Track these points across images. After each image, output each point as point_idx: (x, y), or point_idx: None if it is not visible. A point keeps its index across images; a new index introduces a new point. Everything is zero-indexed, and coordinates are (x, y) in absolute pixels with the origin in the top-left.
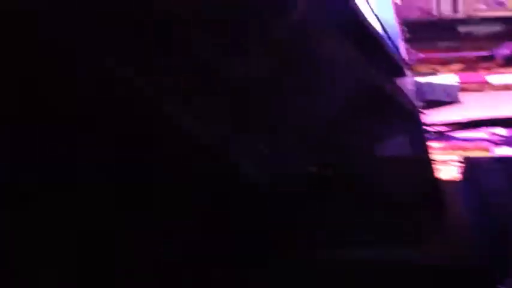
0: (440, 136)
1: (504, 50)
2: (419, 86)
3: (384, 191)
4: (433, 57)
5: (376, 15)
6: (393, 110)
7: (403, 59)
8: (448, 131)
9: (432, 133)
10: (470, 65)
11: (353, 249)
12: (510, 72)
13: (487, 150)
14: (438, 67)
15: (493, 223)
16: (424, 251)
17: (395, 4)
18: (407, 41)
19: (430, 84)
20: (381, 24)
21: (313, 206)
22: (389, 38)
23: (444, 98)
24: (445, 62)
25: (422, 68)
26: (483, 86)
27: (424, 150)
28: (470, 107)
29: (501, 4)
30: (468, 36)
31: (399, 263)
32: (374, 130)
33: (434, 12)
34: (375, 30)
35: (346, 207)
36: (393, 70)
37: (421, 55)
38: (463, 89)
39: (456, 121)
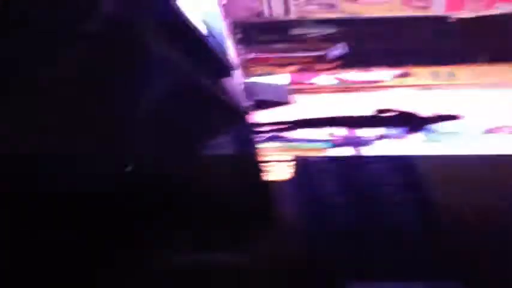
0: (274, 137)
1: (336, 51)
2: (248, 86)
3: (208, 192)
4: (266, 58)
5: (200, 15)
6: (218, 110)
7: (230, 60)
8: (278, 131)
9: (263, 133)
10: (303, 66)
11: (180, 252)
12: (341, 72)
13: (322, 150)
14: (271, 68)
15: (323, 222)
16: (253, 254)
17: (223, 4)
18: (239, 42)
19: (259, 85)
20: (206, 24)
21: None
22: (214, 38)
23: (275, 98)
24: (278, 64)
25: (255, 70)
26: (315, 87)
27: (251, 151)
28: (303, 108)
29: (332, 6)
30: (301, 38)
31: (228, 267)
32: (199, 130)
33: (266, 14)
34: (197, 30)
35: (170, 210)
36: (219, 70)
37: (253, 56)
38: (296, 90)
39: (287, 121)
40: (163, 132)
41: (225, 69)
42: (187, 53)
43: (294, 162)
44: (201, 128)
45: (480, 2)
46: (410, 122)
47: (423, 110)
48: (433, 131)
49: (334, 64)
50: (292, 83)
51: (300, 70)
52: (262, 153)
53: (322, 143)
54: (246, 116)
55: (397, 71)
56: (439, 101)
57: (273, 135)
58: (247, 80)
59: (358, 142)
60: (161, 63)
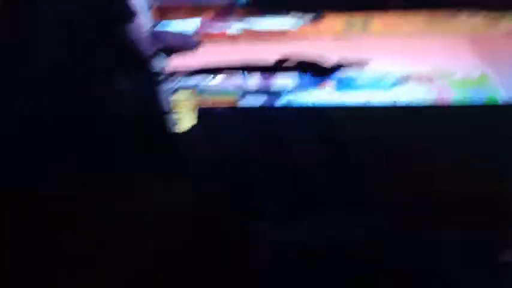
0: (184, 85)
1: None
2: (153, 33)
3: (113, 144)
4: (178, 5)
5: None
6: (120, 56)
7: (132, 5)
8: (184, 78)
9: (171, 81)
10: (214, 13)
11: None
12: (250, 20)
13: (234, 100)
14: (182, 16)
15: (229, 171)
16: (163, 199)
17: None
18: None
19: (165, 32)
20: None
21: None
22: None
23: (181, 45)
24: (189, 11)
25: (166, 16)
26: (223, 35)
27: (155, 99)
28: (210, 55)
29: None
30: None
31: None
32: (101, 77)
33: None
34: None
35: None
36: (121, 15)
37: (164, 3)
38: (204, 38)
39: (194, 68)
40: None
41: (128, 13)
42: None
43: (200, 113)
44: (105, 75)
45: None
46: (314, 70)
47: (330, 59)
48: (346, 80)
49: (244, 11)
50: (200, 30)
51: (210, 17)
52: (167, 102)
53: (233, 91)
54: (151, 63)
55: (306, 19)
56: (353, 50)
57: (182, 84)
58: (152, 27)
59: (270, 91)
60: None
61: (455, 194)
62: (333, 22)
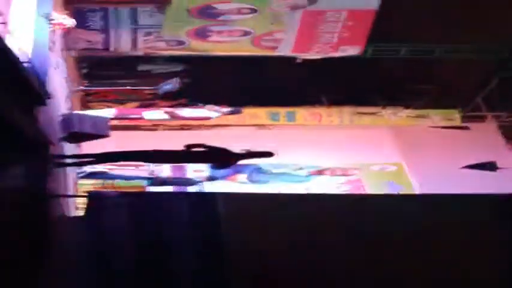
0: (94, 173)
1: (168, 85)
2: (67, 117)
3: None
4: (105, 93)
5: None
6: (15, 139)
7: (45, 89)
8: (87, 164)
9: (79, 167)
10: (141, 101)
11: None
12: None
13: (142, 187)
14: (109, 104)
15: (106, 261)
16: None
17: (63, 35)
18: (85, 76)
19: (79, 117)
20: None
21: None
22: (32, 68)
23: (92, 131)
24: (116, 99)
25: (93, 104)
26: (138, 121)
27: (43, 185)
28: (124, 142)
29: (181, 43)
30: (147, 74)
31: None
32: None
33: (112, 48)
34: (12, 57)
35: None
36: (30, 98)
37: (91, 90)
38: (121, 124)
39: (103, 154)
40: None
41: (37, 98)
42: None
43: (88, 197)
44: None
45: (326, 45)
46: (222, 158)
47: (237, 147)
48: (259, 171)
49: (163, 97)
50: (118, 116)
51: (137, 105)
52: (55, 187)
53: (141, 181)
54: (48, 148)
55: (227, 109)
56: (272, 140)
57: (93, 171)
58: (66, 112)
59: (179, 182)
60: None
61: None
62: (256, 113)
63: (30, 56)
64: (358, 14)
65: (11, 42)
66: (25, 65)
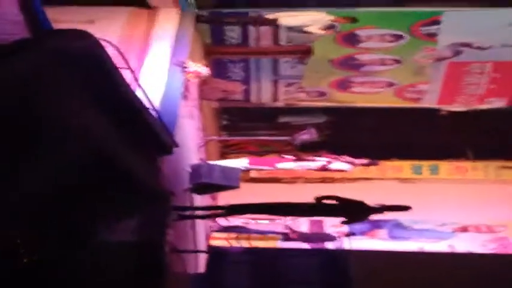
0: (231, 226)
1: (304, 136)
2: (196, 168)
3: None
4: (244, 143)
5: (146, 95)
6: (133, 190)
7: (171, 138)
8: (212, 216)
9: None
10: (270, 149)
11: None
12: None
13: (276, 239)
14: (245, 154)
15: None
16: None
17: (200, 85)
18: (223, 127)
19: (208, 167)
20: (151, 103)
21: None
22: (160, 117)
23: (221, 182)
24: (255, 149)
25: (232, 155)
26: (272, 172)
27: (160, 237)
28: (257, 194)
29: (322, 94)
30: (287, 126)
31: None
32: (104, 209)
33: (253, 99)
34: (140, 106)
35: None
36: (155, 149)
37: (230, 140)
38: (260, 178)
39: (236, 207)
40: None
41: (163, 147)
42: (119, 126)
43: (208, 252)
44: (107, 208)
45: (472, 97)
46: (354, 212)
47: (379, 201)
48: (399, 227)
49: (298, 148)
50: (251, 167)
51: (262, 154)
52: (178, 241)
53: (276, 235)
54: (169, 200)
55: (362, 161)
56: (415, 194)
57: (227, 225)
58: (196, 162)
59: (316, 237)
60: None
61: None
62: (399, 166)
63: (159, 105)
64: (504, 65)
65: (141, 92)
66: (152, 114)
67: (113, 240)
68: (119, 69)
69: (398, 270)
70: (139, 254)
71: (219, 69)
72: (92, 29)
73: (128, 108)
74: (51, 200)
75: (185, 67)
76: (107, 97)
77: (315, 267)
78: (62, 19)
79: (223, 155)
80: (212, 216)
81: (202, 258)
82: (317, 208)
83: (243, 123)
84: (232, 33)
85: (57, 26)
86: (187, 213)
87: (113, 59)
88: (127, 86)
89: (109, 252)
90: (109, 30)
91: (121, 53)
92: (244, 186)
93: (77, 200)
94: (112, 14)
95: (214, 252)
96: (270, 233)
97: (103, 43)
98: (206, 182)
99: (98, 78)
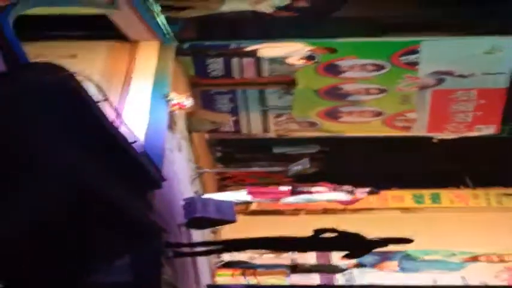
0: (233, 262)
1: (297, 167)
2: (190, 202)
3: None
4: (242, 175)
5: (129, 128)
6: (123, 229)
7: (160, 173)
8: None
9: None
10: (269, 181)
11: None
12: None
13: (284, 274)
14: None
15: None
16: None
17: (187, 117)
18: (218, 159)
19: (202, 201)
20: (134, 136)
21: None
22: (145, 151)
23: (216, 216)
24: (254, 181)
25: (232, 188)
26: (273, 204)
27: (155, 275)
28: (257, 228)
29: (313, 124)
30: (282, 157)
31: None
32: (103, 245)
33: (244, 130)
34: (124, 142)
35: None
36: (143, 184)
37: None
38: (260, 210)
39: (215, 241)
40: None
41: (150, 182)
42: (103, 161)
43: None
44: (97, 247)
45: (460, 124)
46: (356, 244)
47: (375, 232)
48: (408, 258)
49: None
50: (254, 199)
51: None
52: (173, 278)
53: (284, 269)
54: (159, 236)
55: (362, 190)
56: (418, 224)
57: (231, 260)
58: (190, 196)
59: (324, 269)
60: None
61: None
62: (400, 195)
63: (144, 138)
64: (489, 93)
65: (123, 125)
66: (136, 148)
67: (106, 281)
68: (98, 103)
69: None
70: None
71: (206, 101)
72: (75, 64)
73: (111, 143)
74: (36, 240)
75: (168, 100)
76: (87, 132)
77: None
78: (45, 54)
79: (221, 188)
80: (210, 253)
81: None
82: (317, 242)
83: (237, 155)
84: (215, 65)
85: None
86: (185, 249)
87: (90, 93)
88: (107, 120)
89: None
90: (92, 65)
91: (99, 86)
92: (245, 219)
93: (65, 241)
94: (94, 48)
95: None
96: (276, 267)
97: (82, 77)
98: (201, 217)
99: (76, 113)
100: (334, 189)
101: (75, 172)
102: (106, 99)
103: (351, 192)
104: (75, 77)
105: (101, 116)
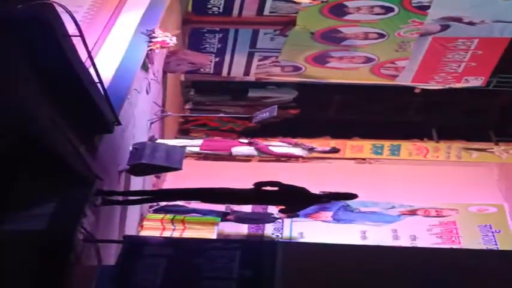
0: (166, 206)
1: (264, 114)
2: (139, 147)
3: None
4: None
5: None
6: (57, 173)
7: (114, 117)
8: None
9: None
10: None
11: None
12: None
13: (214, 223)
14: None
15: None
16: None
17: (166, 58)
18: (188, 102)
19: (153, 146)
20: (99, 77)
21: None
22: (105, 91)
23: (163, 163)
24: (218, 125)
25: (194, 131)
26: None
27: (72, 224)
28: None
29: (297, 69)
30: (255, 100)
31: None
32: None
33: (224, 73)
34: (85, 82)
35: None
36: (95, 127)
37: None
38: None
39: (147, 190)
40: None
41: (102, 125)
42: (58, 99)
43: (123, 242)
44: (17, 192)
45: (449, 75)
46: (297, 200)
47: (332, 182)
48: (346, 209)
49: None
50: (203, 150)
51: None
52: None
53: (215, 216)
54: (91, 183)
55: (323, 148)
56: (369, 175)
57: (165, 205)
58: (140, 141)
59: (256, 219)
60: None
61: None
62: (360, 145)
63: (112, 77)
64: (490, 42)
65: (92, 66)
66: (98, 88)
67: (13, 229)
68: (71, 37)
69: (328, 267)
70: (44, 243)
71: (194, 40)
72: None
73: (71, 81)
74: None
75: (152, 36)
76: (50, 67)
77: (235, 262)
78: None
79: (182, 132)
80: (139, 202)
81: None
82: (257, 196)
83: (209, 97)
84: (217, 1)
85: None
86: (116, 197)
87: (64, 26)
88: (75, 56)
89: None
90: None
91: (74, 19)
92: (196, 163)
93: None
94: None
95: (129, 243)
96: (210, 212)
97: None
98: (145, 163)
99: (43, 46)
100: (295, 145)
101: (22, 106)
102: (81, 35)
103: (310, 150)
104: (51, 7)
105: (68, 52)
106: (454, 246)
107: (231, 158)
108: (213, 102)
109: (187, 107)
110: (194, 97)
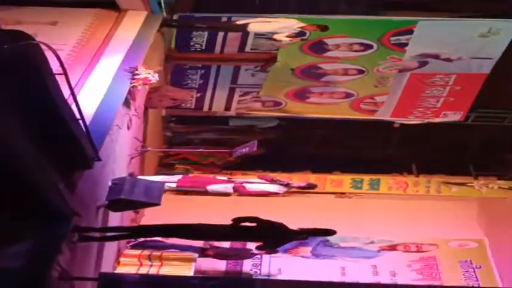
0: (145, 242)
1: (244, 149)
2: (118, 182)
3: None
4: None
5: (78, 104)
6: (36, 209)
7: (94, 152)
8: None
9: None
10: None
11: None
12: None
13: (191, 260)
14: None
15: None
16: None
17: (148, 94)
18: (168, 137)
19: (132, 182)
20: (81, 113)
21: None
22: (86, 127)
23: (142, 199)
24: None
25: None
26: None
27: (48, 261)
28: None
29: (278, 104)
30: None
31: None
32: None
33: (206, 108)
34: (67, 118)
35: None
36: (76, 163)
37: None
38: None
39: (124, 227)
40: None
41: (82, 160)
42: (39, 135)
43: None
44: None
45: (428, 110)
46: (276, 236)
47: (311, 217)
48: (325, 244)
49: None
50: (180, 187)
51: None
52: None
53: (193, 253)
54: (69, 220)
55: (300, 184)
56: (348, 210)
57: (143, 240)
58: (120, 177)
59: (234, 254)
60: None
61: None
62: (340, 179)
63: (94, 113)
64: (467, 78)
65: (74, 100)
66: (79, 124)
67: None
68: (55, 75)
69: None
70: (19, 282)
71: (176, 76)
72: (51, 31)
73: (53, 117)
74: None
75: (135, 73)
76: (33, 103)
77: None
78: (26, 20)
79: (163, 165)
80: (116, 239)
81: None
82: (235, 232)
83: (189, 129)
84: (199, 38)
85: (19, 27)
86: (94, 234)
87: (48, 65)
88: (58, 94)
89: None
90: (68, 32)
91: (58, 58)
92: (174, 198)
93: None
94: (78, 16)
95: (105, 281)
96: (189, 248)
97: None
98: (124, 198)
99: (28, 84)
100: (271, 182)
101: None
102: (65, 73)
103: (287, 186)
104: (37, 48)
105: (51, 88)
106: (435, 283)
107: (210, 193)
108: (193, 132)
109: (167, 133)
110: (173, 133)
